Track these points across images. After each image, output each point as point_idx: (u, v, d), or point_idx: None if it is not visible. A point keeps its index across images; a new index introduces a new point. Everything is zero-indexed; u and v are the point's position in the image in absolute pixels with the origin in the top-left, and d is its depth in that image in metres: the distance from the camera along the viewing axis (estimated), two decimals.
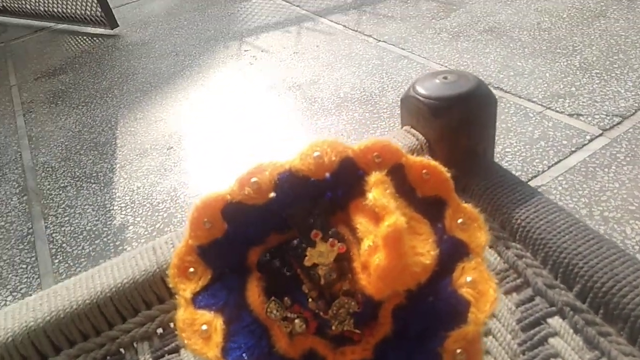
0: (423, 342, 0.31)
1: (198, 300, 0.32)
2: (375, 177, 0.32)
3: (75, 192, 1.42)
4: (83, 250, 1.19)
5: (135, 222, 1.27)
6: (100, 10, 2.44)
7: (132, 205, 1.33)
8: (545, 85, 1.40)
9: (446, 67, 1.65)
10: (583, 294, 0.37)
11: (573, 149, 1.16)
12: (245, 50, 2.05)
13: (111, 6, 2.46)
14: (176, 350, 0.40)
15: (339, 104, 1.56)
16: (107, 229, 1.26)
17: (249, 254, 0.34)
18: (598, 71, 1.42)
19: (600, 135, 1.19)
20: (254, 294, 0.32)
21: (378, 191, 0.31)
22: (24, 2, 2.79)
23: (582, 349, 0.35)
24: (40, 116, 1.87)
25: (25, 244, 1.27)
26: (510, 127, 1.28)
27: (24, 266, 1.19)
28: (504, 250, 0.42)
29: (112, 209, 1.33)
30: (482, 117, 0.48)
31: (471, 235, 0.33)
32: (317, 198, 0.30)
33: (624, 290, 0.35)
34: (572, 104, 1.30)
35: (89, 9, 2.50)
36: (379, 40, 1.93)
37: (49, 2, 2.67)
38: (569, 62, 1.49)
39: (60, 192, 1.44)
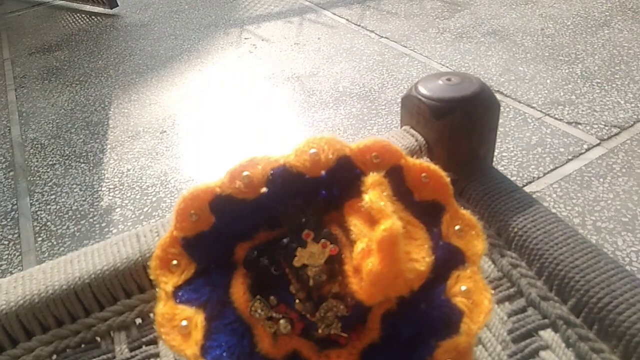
0: (412, 350, 0.30)
1: (180, 294, 0.31)
2: (372, 178, 0.30)
3: (63, 171, 1.40)
4: (68, 230, 1.17)
5: (123, 204, 1.25)
6: None
7: (121, 187, 1.31)
8: (546, 91, 1.40)
9: (448, 67, 1.64)
10: (578, 308, 0.36)
11: (570, 157, 1.15)
12: (245, 38, 2.02)
13: None
14: (154, 341, 0.39)
15: (337, 98, 1.54)
16: (93, 209, 1.24)
17: (236, 249, 0.33)
18: (599, 80, 1.42)
19: (598, 145, 1.18)
20: (238, 291, 0.31)
21: (375, 193, 0.29)
22: None
23: None
24: (32, 92, 1.83)
25: (9, 219, 1.25)
26: (508, 131, 1.27)
27: (6, 242, 1.17)
28: (499, 258, 0.41)
29: (100, 190, 1.30)
30: (484, 121, 0.46)
31: (468, 243, 0.32)
32: (311, 196, 0.28)
33: (621, 307, 0.34)
34: (572, 112, 1.29)
35: None
36: (381, 37, 1.91)
37: None
38: (571, 69, 1.48)
39: (48, 169, 1.41)
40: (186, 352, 0.28)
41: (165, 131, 1.51)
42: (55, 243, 1.15)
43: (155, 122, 1.56)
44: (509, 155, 1.19)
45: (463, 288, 0.30)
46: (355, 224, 0.30)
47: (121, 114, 1.63)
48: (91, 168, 1.40)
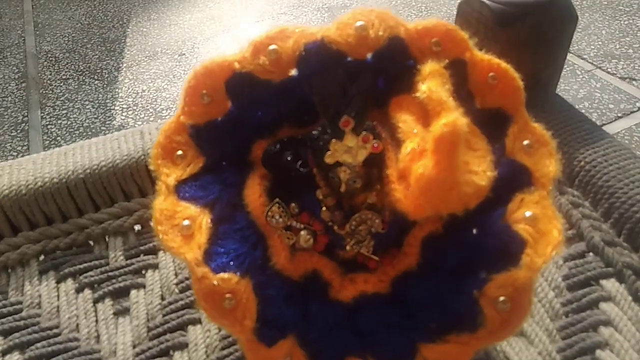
0: (456, 282, 0.25)
1: (183, 189, 0.25)
2: (431, 66, 0.24)
3: (76, 86, 1.34)
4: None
5: (136, 125, 1.20)
6: None
7: (135, 108, 1.25)
8: (600, 43, 1.28)
9: None
10: None
11: (619, 115, 1.06)
12: None
13: None
14: (153, 251, 0.34)
15: None
16: (105, 128, 1.20)
17: (254, 147, 0.27)
18: None
19: None
20: (254, 192, 0.26)
21: (434, 82, 0.23)
22: None
23: None
24: (49, 3, 1.75)
25: (19, 131, 1.21)
26: None
27: (15, 154, 1.14)
28: (557, 195, 0.35)
29: (113, 109, 1.25)
30: (556, 36, 0.39)
31: (538, 162, 0.26)
32: (356, 76, 0.22)
33: None
34: (626, 67, 1.18)
35: None
36: None
37: None
38: (631, 21, 1.35)
39: (61, 83, 1.36)
40: (186, 255, 0.23)
41: (184, 54, 1.43)
42: None
43: (174, 44, 1.48)
44: None
45: (528, 214, 0.24)
46: (405, 121, 0.24)
47: (139, 32, 1.55)
48: (105, 86, 1.34)
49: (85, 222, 0.34)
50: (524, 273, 0.23)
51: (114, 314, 0.31)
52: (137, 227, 0.35)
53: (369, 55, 0.25)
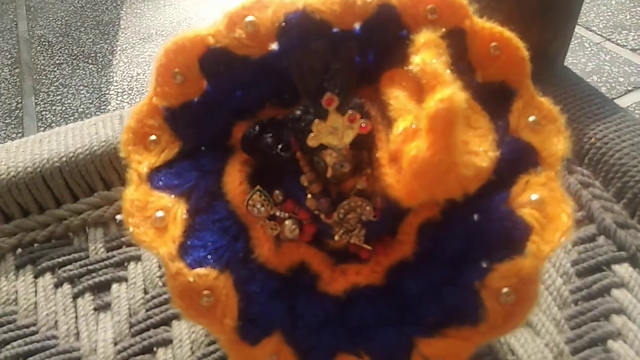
0: (455, 272, 0.23)
1: (157, 178, 0.23)
2: (426, 36, 0.21)
3: (70, 71, 1.32)
4: None
5: None
6: None
7: (130, 92, 1.23)
8: (609, 13, 1.23)
9: None
10: None
11: (629, 88, 1.03)
12: None
13: None
14: None
15: None
16: (100, 113, 1.17)
17: (234, 130, 0.25)
18: None
19: None
20: (233, 180, 0.23)
21: (429, 53, 0.21)
22: None
23: None
24: None
25: (13, 118, 1.19)
26: None
27: (9, 141, 1.12)
28: (566, 175, 0.32)
29: (108, 94, 1.23)
30: (564, 3, 0.36)
31: (545, 140, 0.24)
32: (343, 46, 0.20)
33: None
34: (637, 38, 1.14)
35: None
36: None
37: None
38: None
39: (55, 68, 1.33)
40: (159, 250, 0.21)
41: None
42: None
43: (169, 25, 1.45)
44: None
45: (534, 197, 0.22)
46: (397, 97, 0.21)
47: (133, 14, 1.51)
48: (99, 70, 1.31)
49: (63, 213, 0.33)
50: (529, 262, 0.21)
51: (95, 309, 0.30)
52: (118, 217, 0.33)
53: (356, 26, 0.23)
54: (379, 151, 0.21)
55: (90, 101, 1.21)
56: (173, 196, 0.23)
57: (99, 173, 0.33)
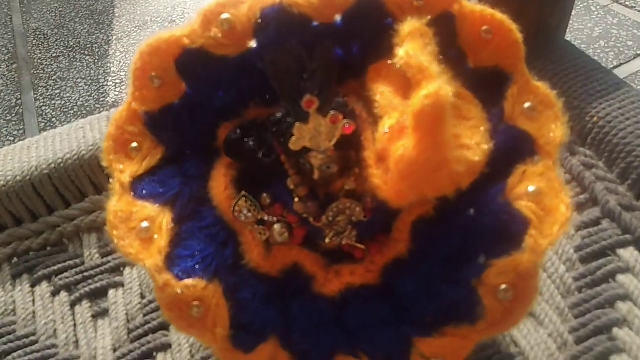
0: (452, 270, 0.22)
1: (140, 187, 0.23)
2: (410, 25, 0.20)
3: (67, 64, 1.31)
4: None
5: None
6: None
7: (128, 82, 1.22)
8: None
9: None
10: None
11: (639, 52, 0.99)
12: None
13: None
14: None
15: None
16: (99, 106, 1.17)
17: (219, 131, 0.24)
18: None
19: None
20: (219, 185, 0.23)
21: (414, 45, 0.19)
22: None
23: None
24: None
25: (14, 115, 1.19)
26: None
27: (12, 139, 1.12)
28: (568, 156, 0.31)
29: (106, 85, 1.22)
30: None
31: (542, 127, 0.23)
32: (318, 45, 0.19)
33: None
34: None
35: None
36: None
37: None
38: None
39: (52, 62, 1.32)
40: (146, 262, 0.21)
41: (174, 21, 1.38)
42: None
43: (164, 11, 1.43)
44: None
45: (531, 189, 0.21)
46: (383, 93, 0.20)
47: (127, 1, 1.49)
48: (96, 61, 1.30)
49: (56, 219, 0.32)
50: (527, 257, 0.20)
51: (93, 316, 0.29)
52: None
53: (338, 18, 0.22)
54: (365, 150, 0.20)
55: (89, 94, 1.20)
56: (157, 205, 0.22)
57: (88, 178, 0.33)
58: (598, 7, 1.11)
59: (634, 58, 0.99)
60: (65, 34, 1.41)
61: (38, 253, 0.32)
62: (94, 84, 1.22)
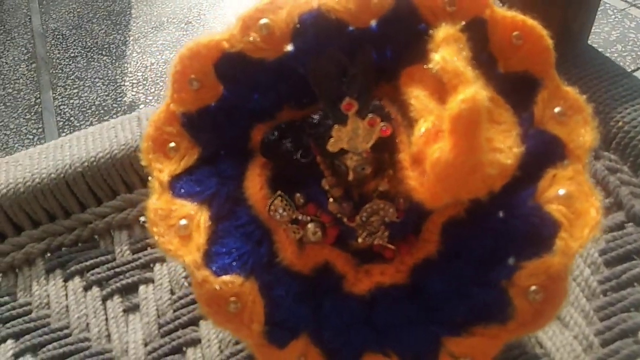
0: (482, 271, 0.22)
1: (178, 185, 0.23)
2: (445, 31, 0.21)
3: (85, 64, 1.33)
4: (91, 126, 1.12)
5: (147, 100, 1.18)
6: None
7: (145, 82, 1.23)
8: None
9: None
10: None
11: None
12: None
13: None
14: None
15: None
16: (117, 105, 1.19)
17: (253, 133, 0.25)
18: None
19: None
20: (254, 185, 0.23)
21: (449, 50, 0.20)
22: None
23: None
24: None
25: (33, 114, 1.21)
26: None
27: (30, 137, 1.14)
28: (592, 161, 0.31)
29: (124, 85, 1.24)
30: None
31: (572, 132, 0.23)
32: (359, 50, 0.19)
33: None
34: None
35: None
36: None
37: None
38: None
39: (70, 62, 1.34)
40: (185, 258, 0.21)
41: (190, 22, 1.39)
42: None
43: (180, 12, 1.44)
44: None
45: (561, 192, 0.22)
46: (418, 97, 0.21)
47: (144, 2, 1.51)
48: (113, 61, 1.32)
49: (88, 217, 0.33)
50: (558, 259, 0.21)
51: (124, 311, 0.30)
52: (142, 219, 0.34)
53: (373, 23, 0.22)
54: (400, 153, 0.21)
55: (106, 93, 1.22)
56: (195, 204, 0.23)
57: (120, 176, 0.33)
58: (615, 11, 1.10)
59: None
60: (83, 34, 1.43)
61: (70, 249, 0.33)
62: (111, 83, 1.24)
